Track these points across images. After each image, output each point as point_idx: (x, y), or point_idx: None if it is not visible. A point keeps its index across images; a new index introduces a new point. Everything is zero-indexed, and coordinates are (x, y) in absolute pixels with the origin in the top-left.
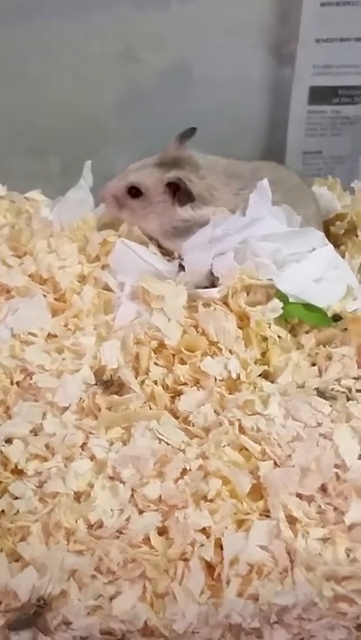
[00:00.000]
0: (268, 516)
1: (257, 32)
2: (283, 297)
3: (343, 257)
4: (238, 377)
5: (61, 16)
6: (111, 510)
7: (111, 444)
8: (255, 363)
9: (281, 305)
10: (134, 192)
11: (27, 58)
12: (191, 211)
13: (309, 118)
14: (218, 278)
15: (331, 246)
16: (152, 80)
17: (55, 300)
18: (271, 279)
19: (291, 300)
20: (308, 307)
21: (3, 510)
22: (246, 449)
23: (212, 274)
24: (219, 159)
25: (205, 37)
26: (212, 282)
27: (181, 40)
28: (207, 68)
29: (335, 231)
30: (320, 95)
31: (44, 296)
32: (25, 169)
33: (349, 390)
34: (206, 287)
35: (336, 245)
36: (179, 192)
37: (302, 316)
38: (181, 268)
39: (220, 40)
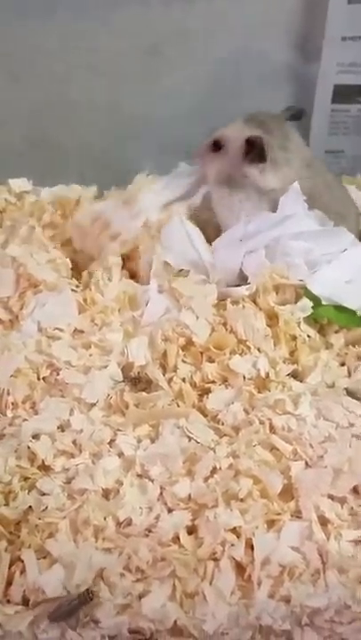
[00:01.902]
0: (299, 517)
1: (283, 29)
2: (314, 298)
3: None
4: (267, 376)
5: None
6: (140, 508)
7: (139, 441)
8: (284, 362)
9: (310, 304)
10: (217, 146)
11: (50, 55)
12: (258, 173)
13: (333, 117)
14: (247, 278)
15: None
16: (177, 76)
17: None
18: (302, 280)
19: (323, 301)
20: (339, 308)
21: (30, 506)
22: (277, 449)
23: (242, 274)
24: (308, 148)
25: (231, 33)
26: (243, 281)
27: (207, 36)
28: (232, 63)
29: None
30: (344, 94)
31: (73, 290)
32: (47, 166)
33: None
34: (237, 286)
35: None
36: (254, 150)
37: (333, 317)
38: None
39: (246, 36)
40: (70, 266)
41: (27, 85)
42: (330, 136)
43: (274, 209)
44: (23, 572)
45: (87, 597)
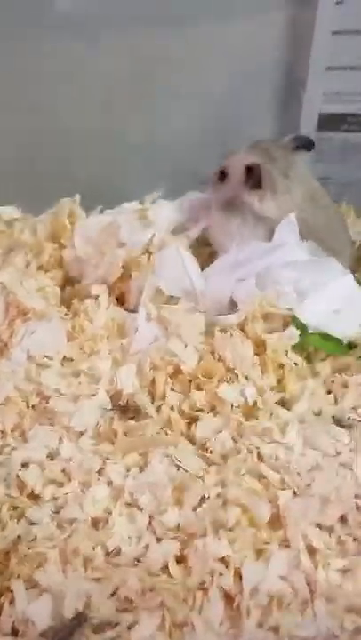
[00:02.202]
0: (287, 546)
1: (269, 58)
2: (302, 327)
3: (359, 284)
4: (255, 404)
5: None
6: (129, 537)
7: (128, 469)
8: (271, 389)
9: (298, 333)
10: (222, 175)
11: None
12: (257, 199)
13: (318, 144)
14: (237, 305)
15: (351, 276)
16: (165, 101)
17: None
18: (291, 308)
19: (310, 330)
20: (326, 336)
21: (19, 536)
22: (265, 477)
23: (232, 302)
24: (314, 180)
25: (217, 61)
26: (233, 308)
27: (193, 63)
28: (218, 91)
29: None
30: (329, 122)
31: (62, 318)
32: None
33: None
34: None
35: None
36: (253, 176)
37: (320, 346)
38: None
39: (232, 64)
40: (59, 294)
41: (16, 112)
42: (316, 163)
43: (271, 236)
44: (12, 602)
45: (81, 620)
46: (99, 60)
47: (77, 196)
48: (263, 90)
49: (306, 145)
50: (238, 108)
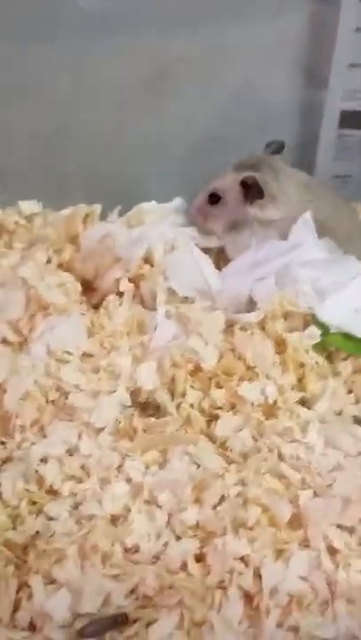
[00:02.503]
0: (307, 546)
1: (291, 55)
2: (323, 327)
3: None
4: (275, 402)
5: (89, 38)
6: (148, 535)
7: (147, 467)
8: (292, 388)
9: (319, 332)
10: (214, 199)
11: (55, 81)
12: (258, 210)
13: (339, 142)
14: (256, 304)
15: None
16: (182, 103)
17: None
18: (311, 307)
19: (331, 329)
20: (347, 336)
21: (38, 531)
22: (286, 477)
23: (251, 300)
24: (302, 173)
25: (237, 60)
26: (251, 307)
27: (213, 63)
28: (239, 90)
29: None
30: (351, 119)
31: (82, 314)
32: (54, 189)
33: None
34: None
35: None
36: (251, 189)
37: (341, 345)
38: None
39: (253, 63)
40: (80, 289)
41: (34, 112)
42: (336, 161)
43: (279, 238)
44: (30, 597)
45: (121, 619)
46: (114, 60)
47: (98, 207)
48: (284, 87)
49: (278, 149)
50: (260, 106)
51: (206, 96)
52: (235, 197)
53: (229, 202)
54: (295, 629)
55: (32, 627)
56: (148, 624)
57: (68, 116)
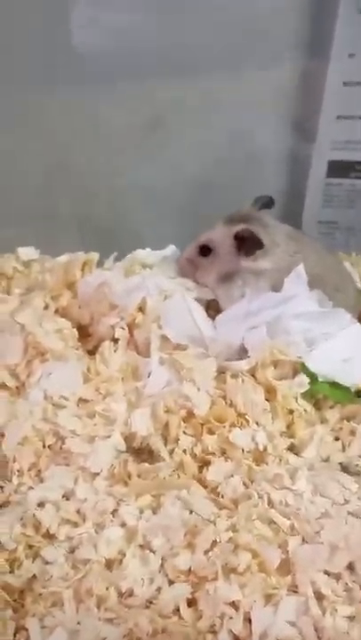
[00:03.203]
0: (296, 592)
1: (281, 107)
2: (311, 374)
3: None
4: (265, 449)
5: (93, 84)
6: (142, 579)
7: (141, 511)
8: (281, 435)
9: (307, 380)
10: (205, 251)
11: (54, 126)
12: (251, 261)
13: (327, 190)
14: (247, 352)
15: (358, 325)
16: (176, 149)
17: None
18: (300, 357)
19: (320, 378)
20: (334, 384)
21: (35, 575)
22: (275, 523)
23: (243, 348)
24: (287, 225)
25: (231, 109)
26: (243, 355)
27: (206, 112)
28: (231, 138)
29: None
30: (338, 169)
31: (78, 360)
32: (51, 234)
33: None
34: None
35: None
36: (246, 243)
37: (329, 394)
38: None
39: (245, 112)
40: (77, 335)
41: (31, 156)
42: (323, 208)
43: (269, 287)
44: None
45: None
46: (115, 108)
47: (95, 255)
48: (275, 138)
49: (268, 204)
50: (251, 155)
51: (200, 145)
52: (227, 249)
53: (221, 254)
54: None
55: None
56: None
57: (66, 163)
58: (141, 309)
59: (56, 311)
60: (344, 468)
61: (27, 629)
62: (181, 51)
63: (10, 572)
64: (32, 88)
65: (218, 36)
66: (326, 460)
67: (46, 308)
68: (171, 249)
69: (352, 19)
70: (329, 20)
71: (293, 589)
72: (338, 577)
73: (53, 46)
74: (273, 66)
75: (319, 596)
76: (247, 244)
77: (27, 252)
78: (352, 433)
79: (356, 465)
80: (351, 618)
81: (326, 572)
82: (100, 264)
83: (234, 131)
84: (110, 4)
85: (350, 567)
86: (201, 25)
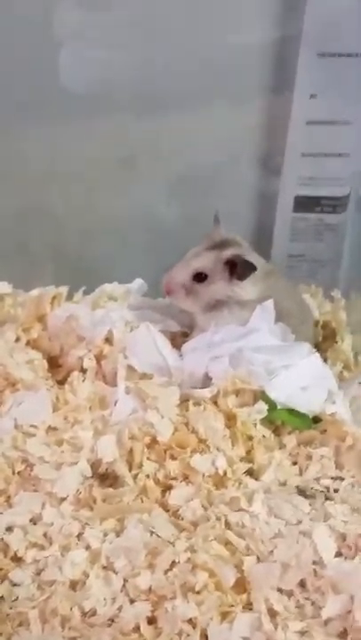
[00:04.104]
0: (250, 609)
1: (248, 144)
2: (270, 402)
3: (325, 361)
4: (225, 473)
5: (65, 120)
6: (104, 599)
7: (105, 534)
8: (240, 460)
9: (266, 407)
10: (200, 277)
11: (28, 162)
12: (240, 289)
13: (294, 224)
14: (210, 380)
15: (317, 355)
16: (148, 186)
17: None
18: (262, 385)
19: (278, 406)
20: (292, 411)
21: (2, 596)
22: (232, 543)
23: (207, 377)
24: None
25: (201, 148)
26: (207, 383)
27: (177, 149)
28: (202, 176)
29: (315, 338)
30: (304, 204)
31: (48, 390)
32: (19, 269)
33: (328, 489)
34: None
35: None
36: (237, 268)
37: (287, 420)
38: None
39: (213, 151)
40: (47, 366)
41: (4, 192)
42: (292, 242)
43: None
44: None
45: None
46: (87, 144)
47: (64, 289)
48: (242, 174)
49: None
50: (220, 191)
51: (169, 181)
52: (220, 276)
53: (215, 280)
54: None
55: None
56: None
57: (38, 199)
58: (108, 341)
59: (27, 343)
60: (301, 492)
61: None
62: (153, 89)
63: None
64: (11, 125)
65: (188, 76)
66: (284, 483)
67: (17, 340)
68: (138, 282)
69: (312, 62)
70: (291, 63)
71: (248, 607)
72: (290, 594)
73: (29, 86)
74: (242, 103)
75: (272, 613)
76: (239, 269)
77: (0, 287)
78: (309, 457)
79: (312, 488)
80: (302, 632)
81: (279, 590)
82: (69, 297)
83: (205, 167)
84: (84, 40)
85: (302, 584)
86: (173, 65)
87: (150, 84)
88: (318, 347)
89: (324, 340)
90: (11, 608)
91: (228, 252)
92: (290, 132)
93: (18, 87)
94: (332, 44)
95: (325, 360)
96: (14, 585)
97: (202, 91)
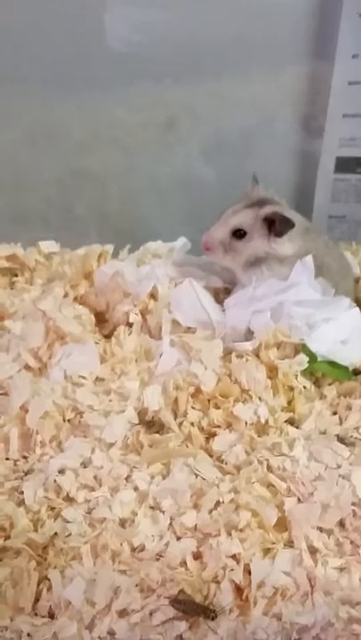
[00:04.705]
0: (291, 546)
1: (289, 106)
2: (311, 355)
3: None
4: (267, 422)
5: (106, 87)
6: (152, 536)
7: (152, 477)
8: (282, 410)
9: (306, 359)
10: (239, 234)
11: (72, 128)
12: (278, 245)
13: (335, 186)
14: (253, 334)
15: (357, 309)
16: (188, 149)
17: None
18: (302, 338)
19: (319, 358)
20: (332, 363)
21: (56, 533)
22: (273, 486)
23: (249, 331)
24: (300, 215)
25: (240, 110)
26: (249, 338)
27: (217, 113)
28: (242, 139)
29: (356, 294)
30: (345, 165)
31: (96, 343)
32: (66, 231)
33: None
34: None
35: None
36: (276, 224)
37: (327, 372)
38: None
39: (253, 113)
40: (94, 321)
41: (51, 156)
42: (333, 203)
43: (288, 274)
44: (49, 589)
45: (210, 613)
46: (127, 110)
47: (110, 247)
48: (284, 136)
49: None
50: (261, 154)
51: (209, 144)
52: (258, 232)
53: (254, 237)
54: (279, 617)
55: (51, 615)
56: (152, 612)
57: (83, 162)
58: (153, 296)
59: (75, 299)
60: (340, 440)
61: (49, 579)
62: (194, 54)
63: (34, 531)
64: (54, 92)
65: (228, 39)
66: (324, 432)
67: (66, 296)
68: (181, 241)
69: (354, 22)
70: (333, 24)
71: (289, 544)
72: (329, 533)
73: (72, 53)
74: (281, 67)
75: (312, 550)
76: (278, 225)
77: (48, 246)
78: (348, 407)
79: (351, 436)
80: (341, 569)
81: (319, 529)
82: (115, 255)
83: (245, 130)
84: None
85: (341, 524)
86: (213, 29)
87: (191, 48)
88: (359, 302)
89: None
90: (64, 543)
91: (267, 209)
92: (332, 93)
93: (61, 55)
94: None
95: None
96: (67, 522)
97: (242, 54)
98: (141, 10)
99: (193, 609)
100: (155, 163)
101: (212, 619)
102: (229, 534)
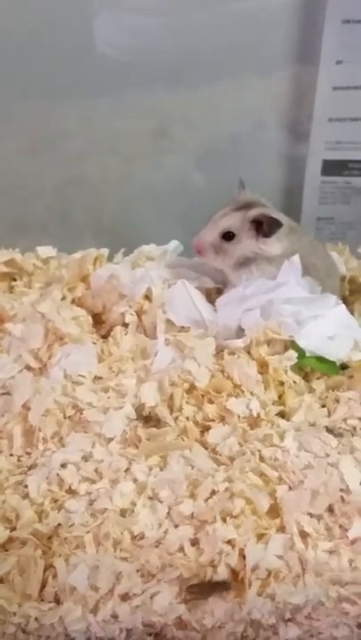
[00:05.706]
0: (283, 531)
1: (276, 113)
2: (300, 350)
3: (351, 313)
4: (258, 415)
5: (101, 95)
6: (151, 524)
7: (150, 469)
8: (273, 403)
9: (295, 354)
10: (228, 236)
11: (69, 137)
12: (266, 246)
13: (322, 188)
14: (244, 331)
15: (343, 306)
16: (181, 155)
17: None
18: (291, 335)
19: (307, 354)
20: (321, 358)
21: (60, 523)
22: (266, 475)
23: (240, 329)
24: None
25: (230, 116)
26: (240, 335)
27: (208, 119)
28: (231, 144)
29: (342, 292)
30: (332, 167)
31: (94, 343)
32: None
33: (354, 429)
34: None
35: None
36: (263, 225)
37: (316, 367)
38: None
39: (242, 119)
40: (91, 322)
41: (48, 164)
42: (320, 205)
43: (276, 274)
44: (55, 576)
45: (225, 586)
46: (122, 117)
47: (105, 250)
48: (271, 140)
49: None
50: (250, 158)
51: (200, 150)
52: (247, 235)
53: (243, 238)
54: (272, 597)
55: (57, 600)
56: (153, 595)
57: (79, 170)
58: (147, 297)
59: (72, 301)
60: (329, 431)
61: (54, 567)
62: (185, 61)
63: (39, 522)
64: (51, 100)
65: (216, 47)
66: (313, 424)
67: (63, 298)
68: (174, 243)
69: (338, 28)
70: (317, 30)
71: (281, 529)
72: (319, 518)
73: (67, 62)
74: (268, 73)
75: (303, 534)
76: (266, 226)
77: (45, 251)
78: (336, 400)
79: (340, 427)
80: (331, 551)
81: (309, 514)
82: (110, 259)
83: (234, 136)
84: (119, 9)
85: (330, 509)
86: (202, 37)
87: (180, 56)
88: (345, 300)
89: (350, 294)
90: (68, 533)
91: (254, 212)
92: (317, 98)
93: (56, 63)
94: (358, 11)
95: (352, 313)
96: (70, 513)
97: (230, 61)
98: (133, 18)
99: (208, 589)
100: (148, 169)
101: (228, 590)
102: (225, 521)
